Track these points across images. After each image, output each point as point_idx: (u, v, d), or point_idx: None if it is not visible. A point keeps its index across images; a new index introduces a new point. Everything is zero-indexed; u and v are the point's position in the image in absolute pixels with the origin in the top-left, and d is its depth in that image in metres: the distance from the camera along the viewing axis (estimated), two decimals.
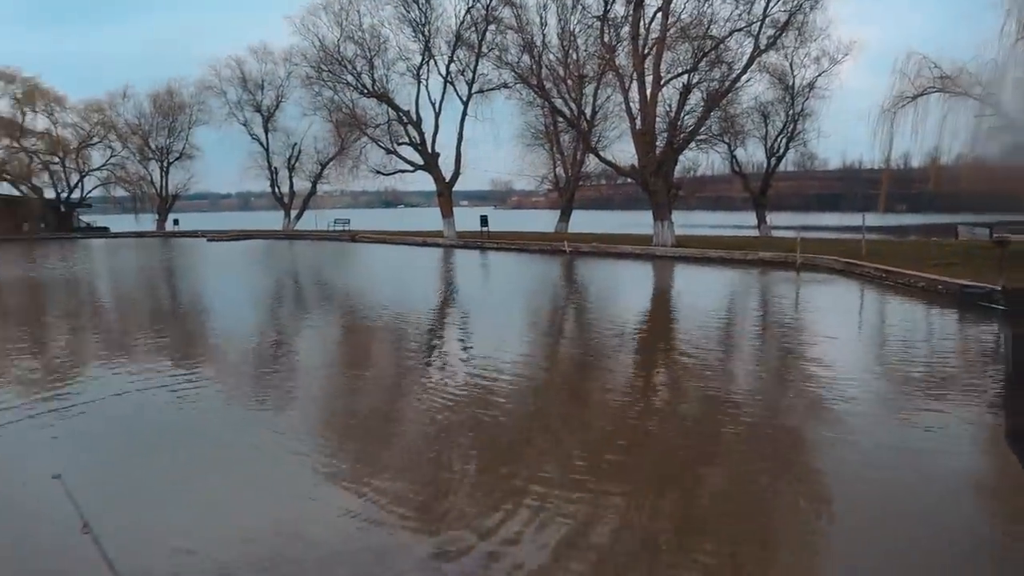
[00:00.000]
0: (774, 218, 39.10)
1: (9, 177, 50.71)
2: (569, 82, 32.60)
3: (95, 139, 53.62)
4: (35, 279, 23.71)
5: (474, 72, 37.05)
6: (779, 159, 37.94)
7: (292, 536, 4.59)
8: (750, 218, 40.66)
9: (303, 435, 6.65)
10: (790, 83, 35.29)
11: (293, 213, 51.38)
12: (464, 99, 37.70)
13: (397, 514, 4.89)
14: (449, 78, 37.75)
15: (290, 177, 51.49)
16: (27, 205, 51.00)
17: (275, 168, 51.61)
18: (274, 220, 53.22)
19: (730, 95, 29.91)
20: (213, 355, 10.76)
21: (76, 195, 54.70)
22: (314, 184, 50.84)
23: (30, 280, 23.39)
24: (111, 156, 54.29)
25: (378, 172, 41.38)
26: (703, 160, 38.02)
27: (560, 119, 36.06)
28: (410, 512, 4.93)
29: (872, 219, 29.65)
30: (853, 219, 30.47)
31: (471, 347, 11.12)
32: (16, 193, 51.31)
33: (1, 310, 17.01)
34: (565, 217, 40.36)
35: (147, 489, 5.38)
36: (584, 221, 42.47)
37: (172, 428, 7.01)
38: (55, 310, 16.92)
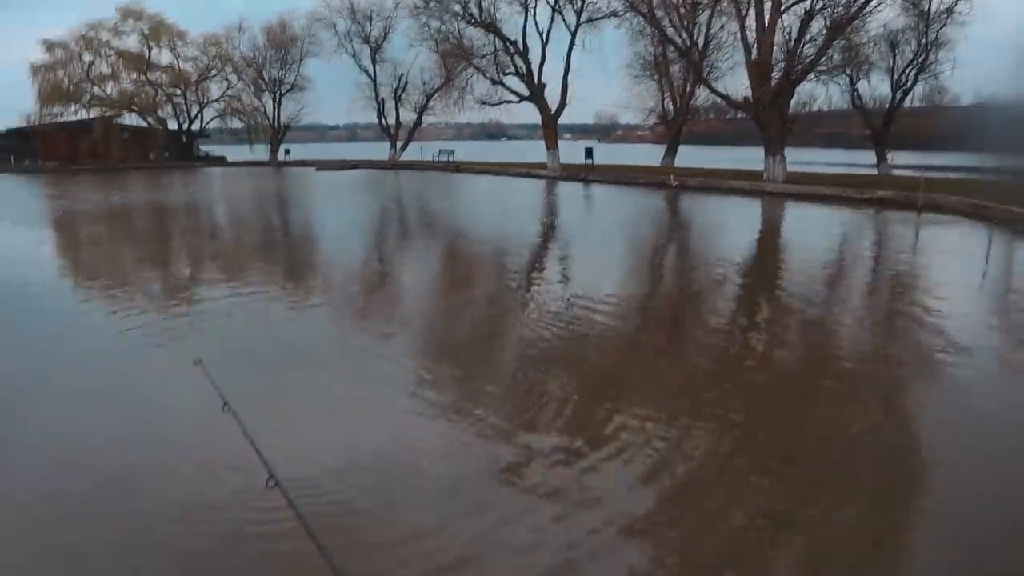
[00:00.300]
0: (895, 157, 36.73)
1: (137, 109, 53.90)
2: (682, 10, 31.21)
3: (213, 72, 56.11)
4: (163, 203, 25.26)
5: (583, 0, 36.11)
6: (906, 93, 35.39)
7: (395, 450, 4.88)
8: (867, 156, 38.37)
9: (404, 355, 6.95)
10: (925, 8, 32.60)
11: (399, 144, 52.20)
12: (572, 28, 36.90)
13: (490, 436, 5.08)
14: (557, 6, 36.90)
15: (396, 108, 52.21)
16: (153, 135, 54.13)
17: (382, 99, 52.41)
18: (380, 151, 54.26)
19: (856, 22, 27.92)
20: (323, 277, 11.28)
21: (196, 126, 57.51)
22: (419, 115, 51.33)
23: (159, 204, 24.95)
24: (227, 88, 56.71)
25: (483, 103, 41.29)
26: (820, 94, 36.04)
27: (670, 49, 34.77)
28: (504, 434, 5.11)
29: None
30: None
31: (571, 279, 11.16)
32: (143, 124, 54.46)
33: (136, 231, 18.29)
34: (671, 151, 39.29)
35: (266, 390, 5.79)
36: (691, 156, 41.19)
37: (285, 341, 7.47)
38: (182, 232, 18.05)
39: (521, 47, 37.31)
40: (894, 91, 35.29)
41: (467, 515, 4.00)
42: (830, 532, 3.91)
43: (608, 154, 44.85)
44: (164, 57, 54.52)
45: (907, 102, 36.31)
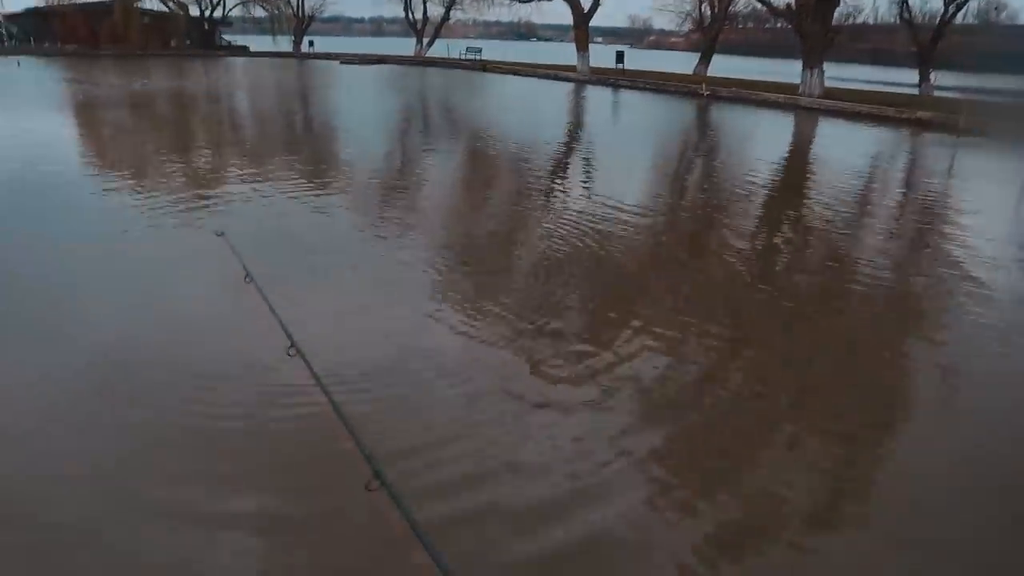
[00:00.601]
0: (940, 77, 35.20)
1: None
2: None
3: None
4: (186, 91, 24.92)
5: None
6: (959, 7, 33.63)
7: (410, 347, 4.92)
8: (911, 75, 36.80)
9: (422, 254, 6.93)
10: None
11: (425, 40, 50.79)
12: None
13: (504, 334, 5.11)
14: None
15: (424, 3, 50.55)
16: (174, 21, 52.66)
17: None
18: (405, 46, 52.88)
19: None
20: (344, 173, 11.18)
21: (218, 13, 55.90)
22: (448, 10, 49.78)
23: (182, 92, 24.62)
24: None
25: (513, 0, 39.87)
26: (867, 4, 34.34)
27: None
28: (517, 333, 5.13)
29: None
30: None
31: (594, 184, 11.01)
32: (165, 10, 53.00)
33: (159, 118, 18.13)
34: (705, 60, 37.91)
35: (284, 278, 5.83)
36: (725, 66, 39.74)
37: (303, 234, 7.48)
38: (206, 121, 17.87)
39: None
40: (946, 4, 33.53)
41: (485, 423, 4.05)
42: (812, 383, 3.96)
43: (640, 59, 43.50)
44: None
45: (959, 18, 34.57)
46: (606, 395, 4.27)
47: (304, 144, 14.31)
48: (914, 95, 30.91)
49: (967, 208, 10.27)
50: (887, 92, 30.00)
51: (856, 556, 3.08)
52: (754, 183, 11.53)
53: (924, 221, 9.51)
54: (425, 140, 15.85)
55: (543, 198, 9.81)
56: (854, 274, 6.99)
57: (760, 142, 17.76)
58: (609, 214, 8.66)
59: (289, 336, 3.46)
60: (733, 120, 21.85)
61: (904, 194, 11.64)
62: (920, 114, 20.93)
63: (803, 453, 3.84)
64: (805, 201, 10.52)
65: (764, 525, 3.25)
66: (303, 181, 9.97)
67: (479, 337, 5.01)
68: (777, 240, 8.47)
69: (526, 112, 22.31)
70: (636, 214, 8.81)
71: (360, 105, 23.25)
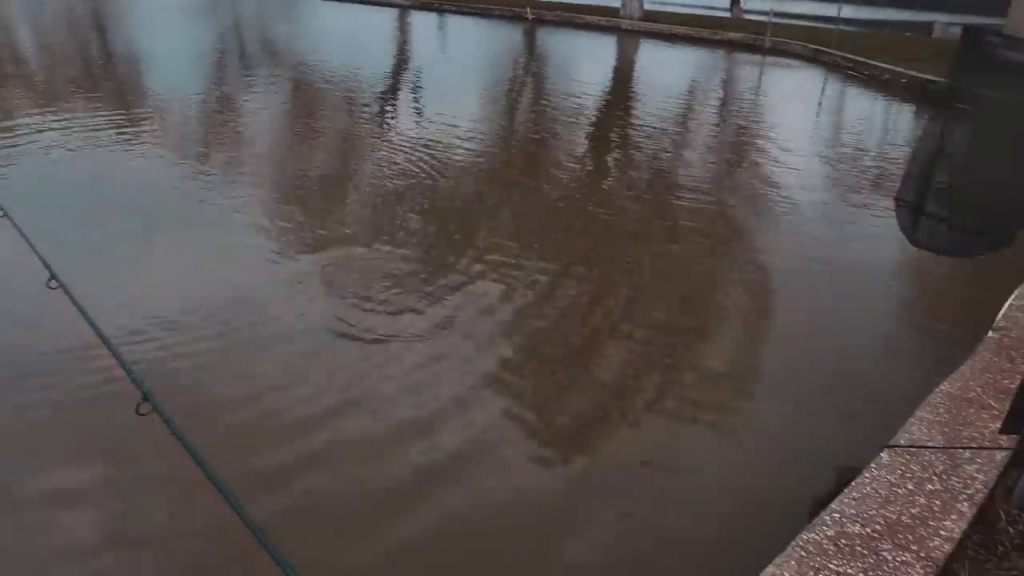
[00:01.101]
0: (749, 2, 37.14)
1: None
2: None
3: None
4: None
5: None
6: None
7: (242, 296, 4.68)
8: None
9: (251, 195, 6.55)
10: None
11: None
12: None
13: (341, 261, 4.97)
14: None
15: None
16: None
17: None
18: None
19: None
20: (157, 110, 10.24)
21: None
22: None
23: None
24: None
25: None
26: None
27: None
28: (349, 258, 5.01)
29: (849, 11, 28.60)
30: (830, 8, 29.30)
31: (423, 115, 10.80)
32: None
33: None
34: None
35: (99, 241, 5.32)
36: None
37: (119, 180, 6.81)
38: None
39: None
40: None
41: (317, 361, 3.94)
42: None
43: None
44: None
45: None
46: (450, 318, 4.29)
47: (107, 80, 12.92)
48: (726, 17, 32.50)
49: (775, 123, 11.05)
50: (702, 15, 31.31)
51: (687, 426, 3.35)
52: (582, 106, 11.77)
53: (738, 137, 10.15)
54: (245, 72, 14.80)
55: (373, 128, 9.51)
56: (678, 188, 7.38)
57: (586, 65, 18.09)
58: (441, 141, 8.56)
59: (48, 267, 3.15)
60: (559, 44, 22.06)
61: (720, 112, 12.33)
62: (730, 35, 22.10)
63: (639, 349, 4.08)
64: (631, 122, 10.89)
65: (608, 412, 3.52)
66: (109, 123, 9.03)
67: (310, 271, 4.83)
68: (607, 160, 8.73)
69: (350, 41, 21.36)
70: (469, 140, 8.76)
71: (169, 37, 21.29)
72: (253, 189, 6.57)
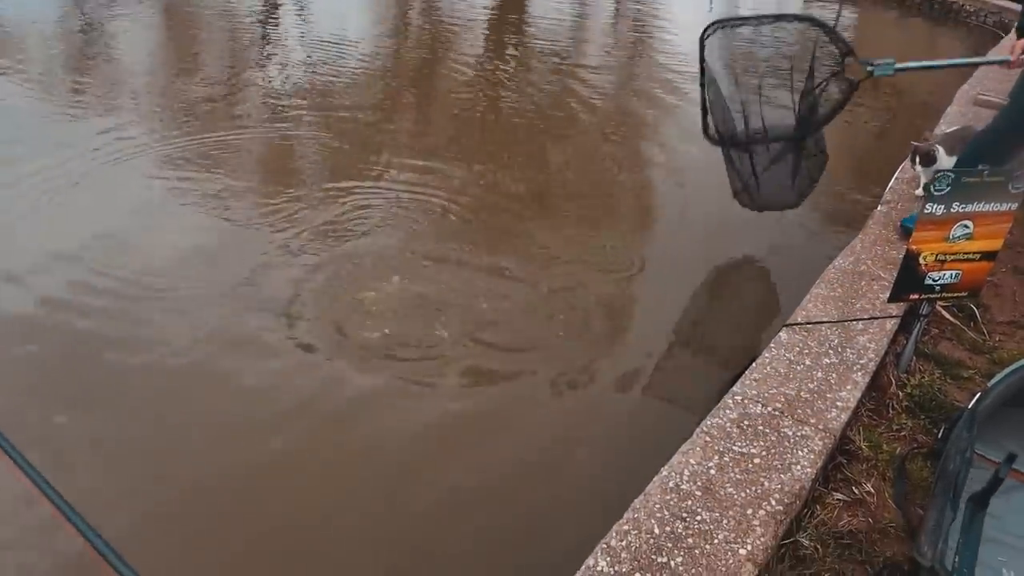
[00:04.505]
0: None
1: None
2: None
3: None
4: None
5: None
6: None
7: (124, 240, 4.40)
8: None
9: (135, 127, 6.10)
10: None
11: None
12: None
13: (241, 208, 4.74)
14: None
15: None
16: None
17: None
18: None
19: None
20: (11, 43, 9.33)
21: None
22: None
23: None
24: None
25: None
26: None
27: None
28: (256, 202, 4.80)
29: None
30: None
31: (310, 28, 10.24)
32: None
33: None
34: None
35: None
36: None
37: None
38: None
39: None
40: None
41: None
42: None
43: None
44: None
45: None
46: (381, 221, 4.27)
47: None
48: None
49: (672, 18, 10.97)
50: None
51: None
52: (475, 9, 11.39)
53: (635, 36, 10.05)
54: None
55: (259, 49, 8.97)
56: (584, 87, 7.36)
57: None
58: (332, 57, 8.17)
59: None
60: None
61: (615, 12, 12.14)
62: None
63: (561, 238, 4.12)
64: (524, 28, 10.61)
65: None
66: None
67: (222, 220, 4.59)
68: (504, 66, 8.51)
69: None
70: (364, 53, 8.42)
71: None
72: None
